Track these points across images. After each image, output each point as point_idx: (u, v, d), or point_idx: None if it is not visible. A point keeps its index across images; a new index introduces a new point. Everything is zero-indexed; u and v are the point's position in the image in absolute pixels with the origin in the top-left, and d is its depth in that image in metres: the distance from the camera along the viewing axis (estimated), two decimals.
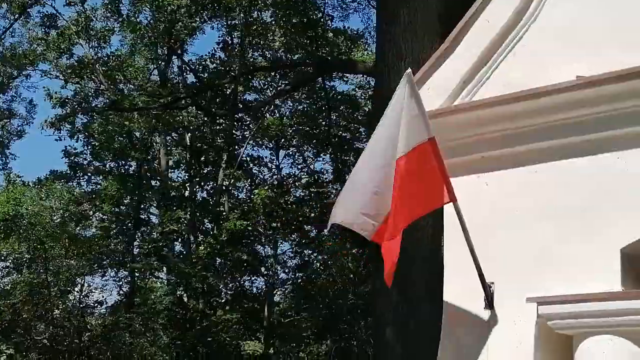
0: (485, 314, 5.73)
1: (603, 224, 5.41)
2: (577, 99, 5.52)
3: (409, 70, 5.54)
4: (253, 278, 28.35)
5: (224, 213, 27.01)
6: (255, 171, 29.79)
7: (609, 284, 5.28)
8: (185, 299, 25.62)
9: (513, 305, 5.57)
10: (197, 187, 29.08)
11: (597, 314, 5.19)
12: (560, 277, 5.46)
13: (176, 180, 29.36)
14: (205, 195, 29.24)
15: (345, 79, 27.74)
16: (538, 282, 5.53)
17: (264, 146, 29.80)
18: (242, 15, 26.18)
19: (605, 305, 5.16)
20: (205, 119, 27.61)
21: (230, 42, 27.26)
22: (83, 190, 28.29)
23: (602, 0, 5.78)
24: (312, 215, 28.22)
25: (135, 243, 27.59)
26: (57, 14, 27.71)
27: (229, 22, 26.98)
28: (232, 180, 28.11)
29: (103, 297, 27.81)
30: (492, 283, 5.70)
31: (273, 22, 25.87)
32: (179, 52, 27.48)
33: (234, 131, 28.69)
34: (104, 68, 27.19)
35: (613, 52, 5.54)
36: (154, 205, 28.53)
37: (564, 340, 5.47)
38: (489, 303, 5.70)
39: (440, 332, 6.05)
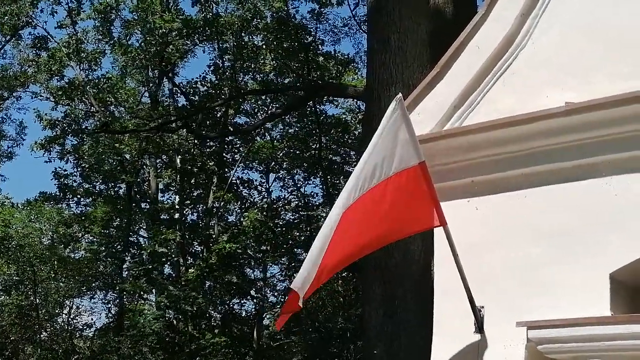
0: (475, 338, 5.74)
1: (592, 249, 5.45)
2: (566, 125, 5.58)
3: (400, 95, 5.59)
4: (242, 301, 28.26)
5: (214, 236, 26.97)
6: (245, 194, 29.80)
7: (598, 309, 5.31)
8: (174, 322, 25.50)
9: (503, 329, 5.59)
10: (187, 209, 29.05)
11: (586, 339, 5.21)
12: (550, 302, 5.49)
13: (166, 202, 29.32)
14: (195, 218, 29.24)
15: (335, 102, 27.85)
16: (528, 306, 5.56)
17: (254, 169, 29.84)
18: (233, 38, 26.30)
19: (594, 330, 5.18)
20: (196, 141, 27.62)
21: (221, 65, 27.36)
22: (72, 212, 28.21)
23: (589, 28, 5.85)
24: (302, 238, 28.20)
25: (125, 266, 27.49)
26: (49, 36, 27.79)
27: (220, 45, 27.08)
28: (222, 203, 28.09)
29: (92, 319, 27.70)
30: (482, 307, 5.72)
31: (264, 46, 25.99)
32: (170, 74, 27.53)
33: (224, 154, 28.71)
34: (94, 90, 27.21)
35: (601, 79, 5.60)
36: (144, 227, 28.47)
37: None
38: (479, 327, 5.72)
39: (430, 356, 6.06)
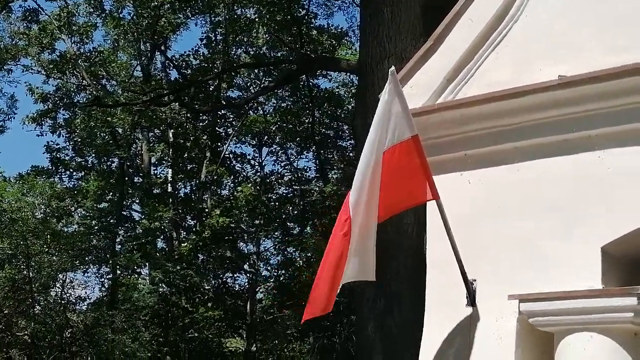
0: (467, 311, 5.77)
1: (584, 222, 5.46)
2: (559, 99, 5.56)
3: (393, 68, 5.56)
4: (236, 275, 28.35)
5: (207, 210, 26.98)
6: (238, 168, 29.79)
7: (590, 282, 5.33)
8: (168, 296, 25.56)
9: (495, 302, 5.61)
10: (180, 183, 29.03)
11: (577, 311, 5.24)
12: (542, 275, 5.50)
13: (159, 176, 29.29)
14: (188, 192, 29.23)
15: (329, 76, 27.79)
16: (520, 279, 5.57)
17: (247, 143, 29.81)
18: (225, 11, 26.15)
19: (585, 303, 5.21)
20: (188, 115, 27.55)
21: (213, 38, 27.23)
22: (65, 186, 28.17)
23: (584, 1, 5.82)
24: (295, 212, 28.23)
25: (118, 240, 27.51)
26: (39, 9, 27.58)
27: (212, 18, 26.93)
28: (215, 177, 28.07)
29: (86, 293, 27.72)
30: (474, 280, 5.74)
31: (257, 19, 25.86)
32: (162, 48, 27.40)
33: (217, 128, 28.65)
34: (86, 63, 27.07)
35: (595, 53, 5.58)
36: (137, 202, 28.45)
37: (545, 337, 5.51)
38: (471, 300, 5.74)
39: (422, 329, 6.08)
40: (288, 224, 28.20)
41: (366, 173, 5.46)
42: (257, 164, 29.72)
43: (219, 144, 28.71)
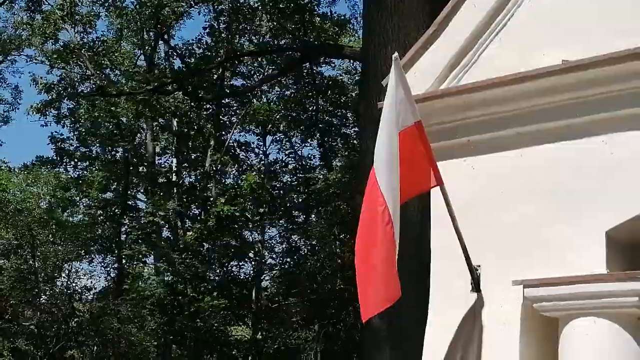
0: (471, 297, 5.77)
1: (589, 207, 5.45)
2: (563, 83, 5.55)
3: (396, 54, 5.54)
4: (241, 264, 28.38)
5: (212, 198, 27.00)
6: (242, 157, 29.78)
7: (594, 267, 5.33)
8: (174, 285, 25.61)
9: (499, 287, 5.61)
10: (185, 172, 29.05)
11: (582, 296, 5.23)
12: (546, 260, 5.50)
13: (163, 166, 29.31)
14: (192, 181, 29.24)
15: (332, 64, 27.74)
16: (524, 265, 5.57)
17: (251, 132, 29.80)
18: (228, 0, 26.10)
19: (590, 288, 5.21)
20: (192, 104, 27.54)
21: (217, 27, 27.17)
22: (70, 176, 28.22)
23: None
24: (300, 200, 28.24)
25: (123, 229, 27.56)
26: None
27: (215, 6, 26.88)
28: (220, 166, 28.08)
29: (91, 282, 27.83)
30: (479, 266, 5.74)
31: (260, 7, 25.80)
32: (165, 37, 27.36)
33: (220, 117, 28.63)
34: (89, 53, 27.06)
35: (599, 36, 5.56)
36: (141, 191, 28.49)
37: (549, 322, 5.52)
38: (476, 286, 5.74)
39: (426, 316, 6.08)
40: (293, 212, 28.21)
41: (386, 157, 5.38)
42: (261, 152, 29.72)
43: (223, 132, 28.69)
